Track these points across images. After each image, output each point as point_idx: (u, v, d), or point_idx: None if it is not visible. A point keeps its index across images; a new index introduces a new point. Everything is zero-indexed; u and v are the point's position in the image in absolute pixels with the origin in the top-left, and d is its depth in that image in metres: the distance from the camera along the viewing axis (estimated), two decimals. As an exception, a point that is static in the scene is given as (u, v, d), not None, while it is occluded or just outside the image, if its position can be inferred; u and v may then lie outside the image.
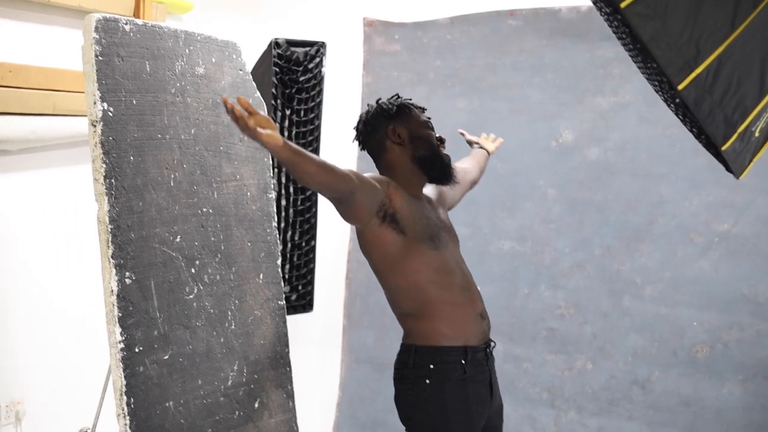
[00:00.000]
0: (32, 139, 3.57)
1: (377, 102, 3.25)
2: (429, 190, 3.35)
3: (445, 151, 3.23)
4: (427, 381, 3.09)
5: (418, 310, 3.12)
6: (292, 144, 2.68)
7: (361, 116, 3.26)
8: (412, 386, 3.11)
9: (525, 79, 4.79)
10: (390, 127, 3.18)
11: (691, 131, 2.45)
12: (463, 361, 3.08)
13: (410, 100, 3.27)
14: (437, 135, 3.23)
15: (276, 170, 3.72)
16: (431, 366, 3.08)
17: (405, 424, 3.17)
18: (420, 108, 3.26)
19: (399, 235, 3.05)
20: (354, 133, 3.29)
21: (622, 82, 4.59)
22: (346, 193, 2.90)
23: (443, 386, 3.07)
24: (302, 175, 2.75)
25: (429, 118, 3.25)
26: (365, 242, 3.10)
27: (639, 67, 2.40)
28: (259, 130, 2.57)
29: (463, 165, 3.66)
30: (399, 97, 3.26)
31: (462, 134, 3.93)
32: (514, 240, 4.80)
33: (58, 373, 3.86)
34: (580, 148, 4.69)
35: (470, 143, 3.92)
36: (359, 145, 3.29)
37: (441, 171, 3.23)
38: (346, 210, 2.99)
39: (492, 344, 3.23)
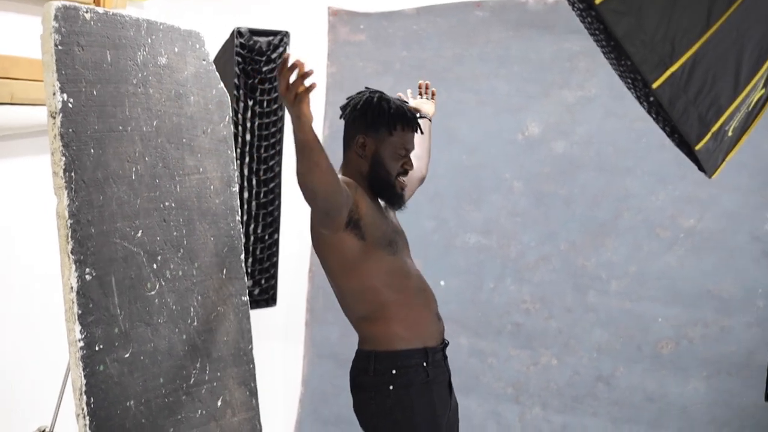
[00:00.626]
0: (-11, 128, 3.49)
1: (374, 99, 3.10)
2: None
3: (403, 178, 3.12)
4: (391, 387, 3.04)
5: (374, 313, 3.07)
6: None
7: (352, 100, 3.15)
8: (375, 393, 3.06)
9: (491, 71, 4.76)
10: (359, 137, 3.09)
11: (663, 129, 2.42)
12: (425, 364, 3.05)
13: (410, 110, 3.11)
14: (405, 163, 3.10)
15: (238, 162, 3.66)
16: (393, 371, 3.03)
17: None
18: (410, 127, 3.10)
19: (359, 240, 3.00)
20: (347, 108, 3.17)
21: (589, 75, 4.57)
22: (337, 206, 2.85)
23: (408, 391, 3.03)
24: (313, 167, 2.68)
25: (407, 146, 3.10)
26: (321, 244, 3.04)
27: (612, 64, 2.37)
28: (303, 97, 2.52)
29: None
30: (401, 106, 3.10)
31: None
32: (479, 233, 4.77)
33: (16, 371, 3.77)
34: (547, 141, 4.67)
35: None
36: (342, 118, 3.17)
37: (390, 199, 3.15)
38: (328, 220, 2.92)
39: (446, 342, 3.19)
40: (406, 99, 3.54)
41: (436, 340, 3.12)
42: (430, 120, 3.63)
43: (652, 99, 2.28)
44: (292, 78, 2.53)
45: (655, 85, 2.21)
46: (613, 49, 2.26)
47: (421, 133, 3.19)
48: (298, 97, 2.53)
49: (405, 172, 3.11)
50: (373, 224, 3.02)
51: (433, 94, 3.72)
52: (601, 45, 2.33)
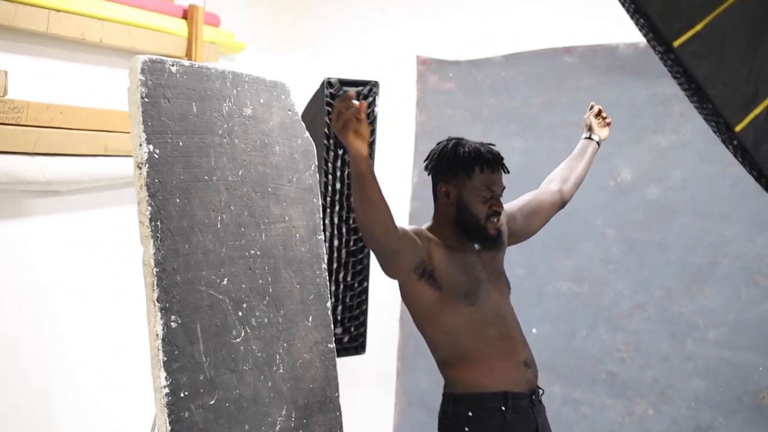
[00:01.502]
0: (84, 180, 3.58)
1: (449, 145, 3.12)
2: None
3: (498, 221, 3.10)
4: (467, 429, 3.02)
5: (454, 359, 3.08)
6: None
7: (432, 151, 3.18)
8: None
9: (582, 118, 4.71)
10: (441, 185, 3.11)
11: (750, 173, 2.35)
12: (503, 408, 3.01)
13: (490, 151, 3.10)
14: (493, 203, 3.07)
15: (329, 210, 3.68)
16: (470, 413, 3.02)
17: None
18: (491, 167, 3.08)
19: (435, 290, 3.01)
20: (429, 160, 3.20)
21: (682, 120, 4.49)
22: (390, 246, 2.86)
23: None
24: (365, 199, 2.73)
25: (491, 186, 3.07)
26: (404, 293, 3.07)
27: (695, 107, 2.32)
28: (352, 135, 2.61)
29: (545, 190, 3.50)
30: (478, 148, 3.10)
31: (591, 108, 3.71)
32: (571, 281, 4.71)
33: (106, 419, 3.83)
34: (639, 187, 4.59)
35: (587, 126, 3.70)
36: (428, 173, 3.21)
37: (482, 241, 3.14)
38: (387, 263, 2.93)
39: (540, 392, 3.14)
40: (588, 111, 3.66)
41: (521, 387, 3.06)
42: (598, 144, 3.66)
43: (736, 143, 2.22)
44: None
45: (738, 129, 2.15)
46: (695, 93, 2.21)
47: (507, 172, 3.14)
48: (346, 125, 2.61)
49: (495, 214, 3.08)
50: (449, 275, 3.02)
51: (608, 123, 3.71)
52: (684, 88, 2.28)
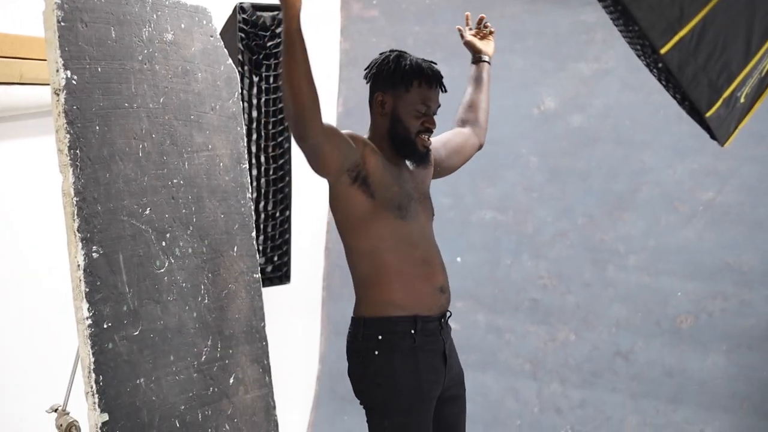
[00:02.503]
0: (-1, 108, 3.48)
1: (391, 57, 3.10)
2: None
3: (428, 139, 3.09)
4: (376, 352, 3.06)
5: (373, 276, 3.08)
6: None
7: (374, 60, 3.14)
8: (362, 359, 3.10)
9: (506, 46, 4.71)
10: (378, 94, 3.09)
11: (674, 97, 2.37)
12: (412, 331, 3.04)
13: (431, 68, 3.09)
14: (425, 120, 3.07)
15: (246, 140, 3.63)
16: (380, 337, 3.05)
17: (358, 398, 3.16)
18: (429, 84, 3.07)
19: (368, 198, 2.99)
20: (369, 70, 3.16)
21: (605, 47, 4.52)
22: (316, 126, 2.78)
23: (392, 356, 3.04)
24: (291, 64, 2.67)
25: (427, 102, 3.07)
26: (333, 198, 3.04)
27: (620, 31, 2.33)
28: None
29: (464, 131, 3.50)
30: (420, 63, 3.09)
31: (460, 31, 3.66)
32: (495, 209, 4.74)
33: (28, 351, 3.78)
34: (563, 116, 4.62)
35: (472, 50, 3.62)
36: (368, 83, 3.16)
37: (410, 156, 3.13)
38: (314, 160, 2.88)
39: (448, 314, 3.18)
40: (463, 30, 3.59)
41: (431, 311, 3.09)
42: (489, 63, 3.60)
43: (660, 65, 2.23)
44: None
45: (663, 51, 2.16)
46: (620, 15, 2.22)
47: (444, 91, 3.14)
48: None
49: (426, 131, 3.08)
50: (381, 183, 3.01)
51: (491, 32, 3.64)
52: (609, 11, 2.28)
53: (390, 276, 3.06)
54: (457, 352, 3.25)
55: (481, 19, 3.61)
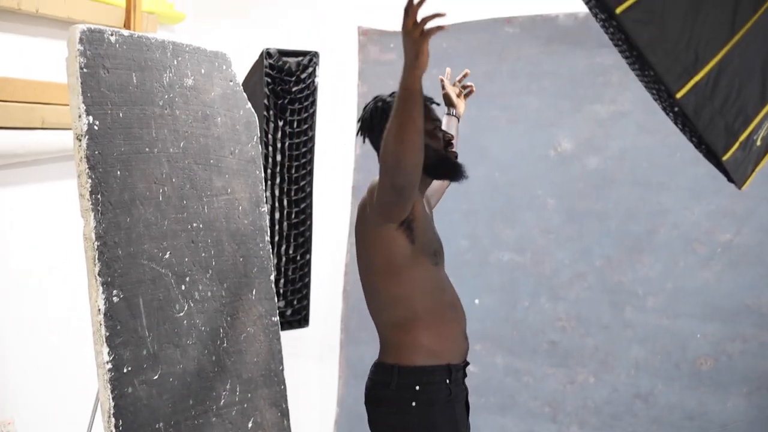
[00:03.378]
0: (21, 153, 3.52)
1: (376, 103, 3.07)
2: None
3: (455, 150, 3.07)
4: (413, 404, 2.96)
5: (405, 322, 2.99)
6: None
7: (365, 109, 3.10)
8: (396, 409, 2.99)
9: (523, 87, 4.74)
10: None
11: (690, 140, 2.39)
12: (447, 381, 2.98)
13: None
14: (446, 134, 3.05)
15: (269, 183, 3.66)
16: (417, 387, 2.96)
17: None
18: (429, 101, 3.05)
19: (409, 243, 2.93)
20: (360, 125, 3.13)
21: (621, 89, 4.53)
22: (412, 185, 2.73)
23: (431, 408, 2.96)
24: (407, 122, 2.57)
25: (436, 119, 3.06)
26: (371, 242, 2.97)
27: (637, 75, 2.34)
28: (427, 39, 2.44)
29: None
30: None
31: (442, 82, 3.57)
32: (513, 251, 4.74)
33: (49, 393, 3.79)
34: (579, 157, 4.63)
35: (447, 101, 3.51)
36: (363, 139, 3.12)
37: (451, 172, 3.08)
38: (395, 208, 2.82)
39: (468, 362, 3.14)
40: (444, 81, 3.54)
41: (460, 358, 3.06)
42: (458, 119, 3.50)
43: (677, 109, 2.25)
44: (420, 15, 2.49)
45: (679, 95, 2.18)
46: (636, 60, 2.23)
47: (438, 104, 3.12)
48: (425, 33, 2.46)
49: (449, 142, 3.04)
50: (423, 229, 2.97)
51: (470, 92, 3.58)
52: (625, 56, 2.30)
53: (424, 321, 2.99)
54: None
55: (464, 75, 3.57)
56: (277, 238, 3.73)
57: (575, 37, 4.61)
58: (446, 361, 3.00)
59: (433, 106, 3.10)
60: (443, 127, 3.36)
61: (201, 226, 2.94)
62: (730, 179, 2.44)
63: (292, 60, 3.71)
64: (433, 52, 4.86)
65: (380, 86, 4.95)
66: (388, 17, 4.98)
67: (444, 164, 3.06)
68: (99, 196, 2.55)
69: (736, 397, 4.28)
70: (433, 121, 3.05)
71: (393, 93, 3.02)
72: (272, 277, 3.29)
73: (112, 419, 2.52)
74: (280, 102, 3.67)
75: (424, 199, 3.13)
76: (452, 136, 3.09)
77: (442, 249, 3.09)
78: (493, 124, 4.78)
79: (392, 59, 4.95)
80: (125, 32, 2.71)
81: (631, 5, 2.13)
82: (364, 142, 3.12)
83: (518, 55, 4.74)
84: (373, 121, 3.06)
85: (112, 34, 2.65)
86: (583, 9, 4.18)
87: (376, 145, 3.06)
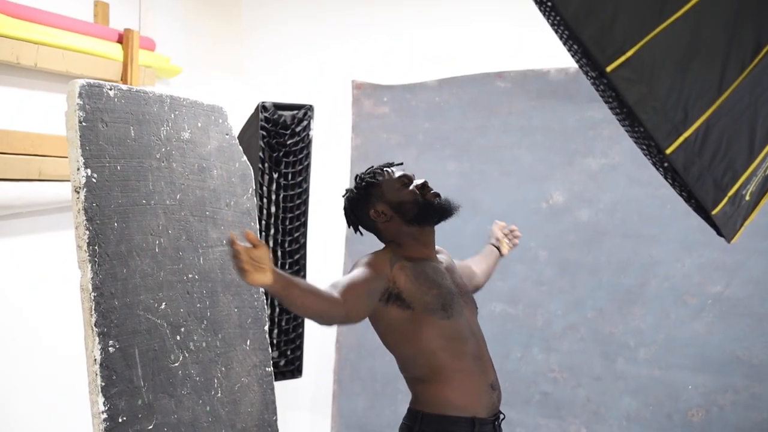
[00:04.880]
0: (17, 204, 3.54)
1: (352, 189, 3.18)
2: (445, 257, 3.28)
3: (433, 191, 3.12)
4: None
5: (428, 376, 3.03)
6: (284, 275, 2.61)
7: (344, 207, 3.21)
8: None
9: (515, 141, 4.79)
10: (371, 212, 3.12)
11: (680, 195, 2.42)
12: None
13: (381, 166, 3.18)
14: (416, 183, 3.12)
15: (263, 234, 3.69)
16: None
17: None
18: (388, 166, 3.17)
19: (405, 310, 2.99)
20: (346, 221, 3.24)
21: (612, 143, 4.58)
22: (340, 321, 2.90)
23: None
24: (295, 309, 2.75)
25: (402, 174, 3.14)
26: (372, 320, 3.05)
27: (627, 131, 2.38)
28: (248, 271, 2.49)
29: (472, 268, 3.53)
30: (371, 170, 3.17)
31: (495, 226, 3.78)
32: (505, 302, 4.76)
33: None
34: (571, 210, 4.67)
35: (494, 236, 3.75)
36: (355, 231, 3.23)
37: (437, 215, 3.12)
38: (346, 324, 3.02)
39: (501, 416, 3.14)
40: (495, 226, 3.74)
41: (487, 411, 3.05)
42: (501, 255, 3.70)
43: (666, 165, 2.29)
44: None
45: (668, 151, 2.21)
46: (626, 116, 2.28)
47: (401, 163, 3.22)
48: (241, 270, 2.49)
49: (423, 186, 3.12)
50: (417, 291, 3.01)
51: (515, 242, 3.77)
52: (615, 112, 2.34)
53: (444, 375, 3.01)
54: None
55: (512, 230, 3.76)
56: (271, 289, 3.75)
57: (566, 92, 4.67)
58: (471, 414, 3.01)
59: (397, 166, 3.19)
60: (482, 257, 3.60)
61: (196, 277, 2.97)
62: (720, 233, 2.47)
63: (287, 113, 3.76)
64: (426, 105, 4.97)
65: (373, 138, 5.01)
66: (382, 71, 5.06)
67: (425, 212, 3.11)
68: (96, 248, 2.58)
69: (728, 449, 4.29)
70: (400, 178, 3.12)
71: (356, 176, 3.18)
72: (266, 328, 3.31)
73: (107, 470, 2.53)
74: (275, 155, 3.72)
75: (435, 254, 3.20)
76: (423, 182, 3.13)
77: (457, 299, 3.09)
78: (485, 177, 4.83)
79: (385, 112, 5.01)
80: (123, 86, 2.76)
81: (620, 64, 2.18)
82: (356, 233, 3.24)
83: (510, 110, 4.79)
84: (352, 214, 3.19)
85: (110, 89, 2.70)
86: (574, 64, 4.26)
87: (366, 227, 3.19)
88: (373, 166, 3.19)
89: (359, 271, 2.96)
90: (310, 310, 2.73)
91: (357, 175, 3.19)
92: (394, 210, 3.10)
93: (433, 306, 3.02)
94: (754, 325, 4.30)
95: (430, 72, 4.95)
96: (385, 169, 3.15)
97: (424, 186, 3.13)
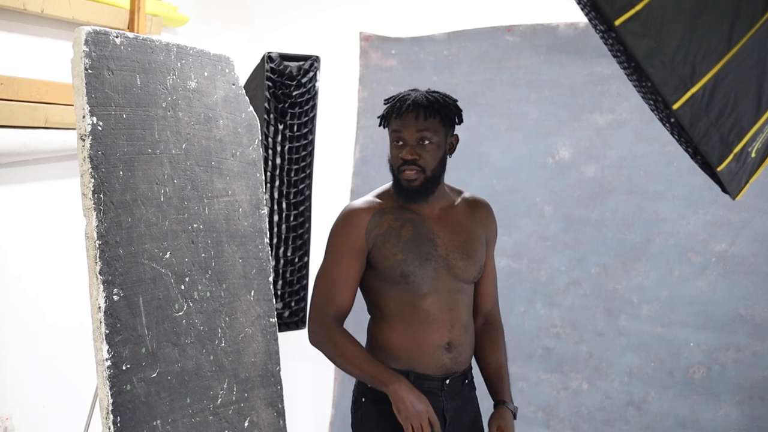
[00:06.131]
0: (23, 152, 3.54)
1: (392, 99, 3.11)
2: (464, 210, 3.23)
3: (411, 172, 3.03)
4: (364, 399, 3.13)
5: (378, 319, 3.17)
6: None
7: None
8: (355, 401, 3.19)
9: (522, 96, 4.77)
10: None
11: (686, 151, 2.41)
12: None
13: (412, 96, 3.03)
14: (402, 153, 3.03)
15: (268, 185, 3.69)
16: (369, 384, 3.08)
17: None
18: (398, 113, 3.02)
19: (370, 269, 3.12)
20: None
21: (620, 99, 4.56)
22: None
23: (376, 406, 3.09)
24: (336, 363, 3.15)
25: (400, 134, 3.03)
26: None
27: (634, 86, 2.37)
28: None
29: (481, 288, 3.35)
30: (413, 92, 3.07)
31: None
32: (510, 257, 4.77)
33: (47, 389, 3.82)
34: (577, 166, 4.66)
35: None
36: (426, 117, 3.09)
37: (402, 195, 3.11)
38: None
39: (465, 380, 3.19)
40: None
41: (432, 370, 3.09)
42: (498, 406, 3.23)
43: (673, 120, 2.28)
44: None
45: (675, 107, 2.21)
46: (634, 71, 2.26)
47: (426, 118, 3.01)
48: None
49: (404, 162, 3.02)
50: (382, 256, 3.07)
51: None
52: (623, 66, 2.33)
53: (390, 323, 3.10)
54: (474, 419, 3.25)
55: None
56: (275, 241, 3.75)
57: (575, 47, 4.65)
58: (406, 367, 3.07)
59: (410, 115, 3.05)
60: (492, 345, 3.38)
61: (201, 227, 2.97)
62: (725, 190, 2.47)
63: (293, 64, 3.74)
64: (434, 59, 4.94)
65: (381, 92, 4.99)
66: (390, 23, 5.02)
67: (396, 183, 3.11)
68: (101, 196, 2.57)
69: (728, 406, 4.31)
70: (395, 132, 3.05)
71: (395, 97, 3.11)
72: (270, 279, 3.32)
73: (111, 416, 2.55)
74: (280, 106, 3.70)
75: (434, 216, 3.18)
76: (408, 156, 3.01)
77: (424, 265, 3.07)
78: (492, 132, 4.81)
79: (393, 65, 4.98)
80: (130, 34, 2.74)
81: (630, 17, 2.16)
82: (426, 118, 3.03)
83: (518, 64, 4.77)
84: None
85: (117, 36, 2.68)
86: (583, 19, 4.23)
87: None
88: (413, 91, 3.08)
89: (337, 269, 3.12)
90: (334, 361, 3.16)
91: (408, 90, 3.10)
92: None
93: (393, 272, 3.06)
94: (758, 283, 4.31)
95: (439, 25, 4.92)
96: (394, 110, 3.05)
97: (404, 161, 3.04)
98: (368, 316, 3.27)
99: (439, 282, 3.10)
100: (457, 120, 3.09)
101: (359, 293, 3.18)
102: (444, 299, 3.11)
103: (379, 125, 3.15)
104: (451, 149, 3.12)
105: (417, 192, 3.06)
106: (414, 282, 3.06)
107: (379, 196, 3.17)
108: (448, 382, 3.12)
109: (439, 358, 3.10)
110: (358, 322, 3.38)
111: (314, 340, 3.14)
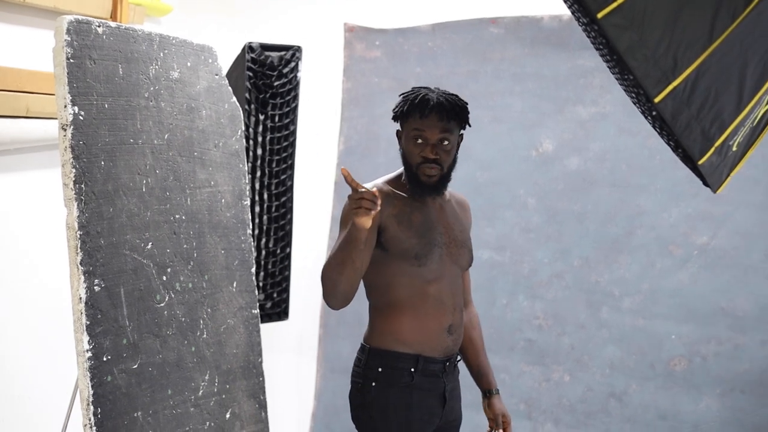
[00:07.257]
0: (5, 141, 3.52)
1: (410, 92, 3.17)
2: (456, 201, 3.35)
3: (429, 169, 3.10)
4: (374, 384, 3.13)
5: (384, 308, 3.17)
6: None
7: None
8: (360, 386, 3.18)
9: (506, 88, 4.77)
10: (398, 129, 3.19)
11: (668, 144, 2.42)
12: (412, 369, 3.11)
13: (436, 98, 3.08)
14: (424, 152, 3.09)
15: (250, 176, 3.68)
16: (379, 369, 3.13)
17: (353, 422, 3.24)
18: (421, 112, 3.07)
19: (383, 251, 3.10)
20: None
21: (603, 92, 4.57)
22: (340, 303, 3.06)
23: (388, 391, 3.12)
24: (347, 260, 2.92)
25: (423, 133, 3.08)
26: None
27: (617, 79, 2.38)
28: (363, 210, 2.77)
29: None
30: (423, 93, 3.11)
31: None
32: (492, 249, 4.77)
33: (28, 380, 3.80)
34: (560, 158, 4.67)
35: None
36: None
37: (415, 189, 3.16)
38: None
39: (457, 358, 3.24)
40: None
41: (437, 353, 3.15)
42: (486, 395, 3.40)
43: (654, 113, 2.28)
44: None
45: (657, 100, 2.21)
46: (616, 64, 2.27)
47: (448, 120, 3.10)
48: (357, 212, 2.79)
49: (425, 161, 3.10)
50: (397, 239, 3.09)
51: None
52: (606, 59, 2.33)
53: (399, 310, 3.13)
54: (461, 397, 3.29)
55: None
56: (257, 232, 3.75)
57: (559, 39, 4.65)
58: (416, 351, 3.11)
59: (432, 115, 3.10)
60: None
61: (183, 217, 2.96)
62: (706, 183, 2.48)
63: (274, 54, 3.73)
64: (418, 50, 4.93)
65: (364, 82, 4.98)
66: (374, 14, 5.02)
67: (412, 178, 3.15)
68: (83, 186, 2.56)
69: (709, 398, 4.33)
70: (417, 129, 3.10)
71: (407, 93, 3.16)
72: (253, 270, 3.31)
73: (91, 407, 2.54)
74: (261, 96, 3.69)
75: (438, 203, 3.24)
76: (431, 155, 3.09)
77: (434, 250, 3.14)
78: (476, 124, 4.77)
79: (377, 56, 4.98)
80: (112, 24, 2.73)
81: (612, 10, 2.17)
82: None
83: (502, 56, 4.77)
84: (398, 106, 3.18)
85: (99, 26, 2.66)
86: (567, 11, 4.23)
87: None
88: (433, 92, 3.14)
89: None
90: (355, 275, 2.96)
91: (423, 88, 3.17)
92: (403, 149, 3.17)
93: (408, 254, 3.10)
94: (739, 276, 4.33)
95: (424, 16, 4.92)
96: (416, 109, 3.09)
97: (425, 160, 3.11)
98: (369, 317, 3.27)
99: (444, 267, 3.18)
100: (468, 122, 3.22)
101: (361, 289, 3.17)
102: (448, 284, 3.19)
103: (393, 119, 3.19)
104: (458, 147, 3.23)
105: (434, 187, 3.17)
106: (426, 265, 3.12)
107: (387, 183, 3.19)
108: (448, 363, 3.19)
109: (444, 340, 3.17)
110: (358, 322, 3.38)
111: (326, 295, 3.08)
